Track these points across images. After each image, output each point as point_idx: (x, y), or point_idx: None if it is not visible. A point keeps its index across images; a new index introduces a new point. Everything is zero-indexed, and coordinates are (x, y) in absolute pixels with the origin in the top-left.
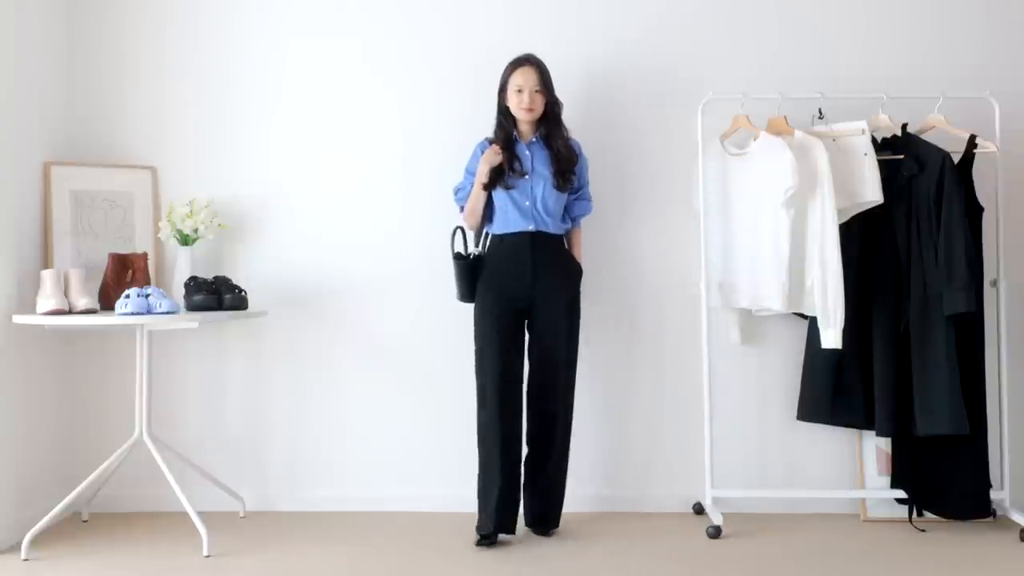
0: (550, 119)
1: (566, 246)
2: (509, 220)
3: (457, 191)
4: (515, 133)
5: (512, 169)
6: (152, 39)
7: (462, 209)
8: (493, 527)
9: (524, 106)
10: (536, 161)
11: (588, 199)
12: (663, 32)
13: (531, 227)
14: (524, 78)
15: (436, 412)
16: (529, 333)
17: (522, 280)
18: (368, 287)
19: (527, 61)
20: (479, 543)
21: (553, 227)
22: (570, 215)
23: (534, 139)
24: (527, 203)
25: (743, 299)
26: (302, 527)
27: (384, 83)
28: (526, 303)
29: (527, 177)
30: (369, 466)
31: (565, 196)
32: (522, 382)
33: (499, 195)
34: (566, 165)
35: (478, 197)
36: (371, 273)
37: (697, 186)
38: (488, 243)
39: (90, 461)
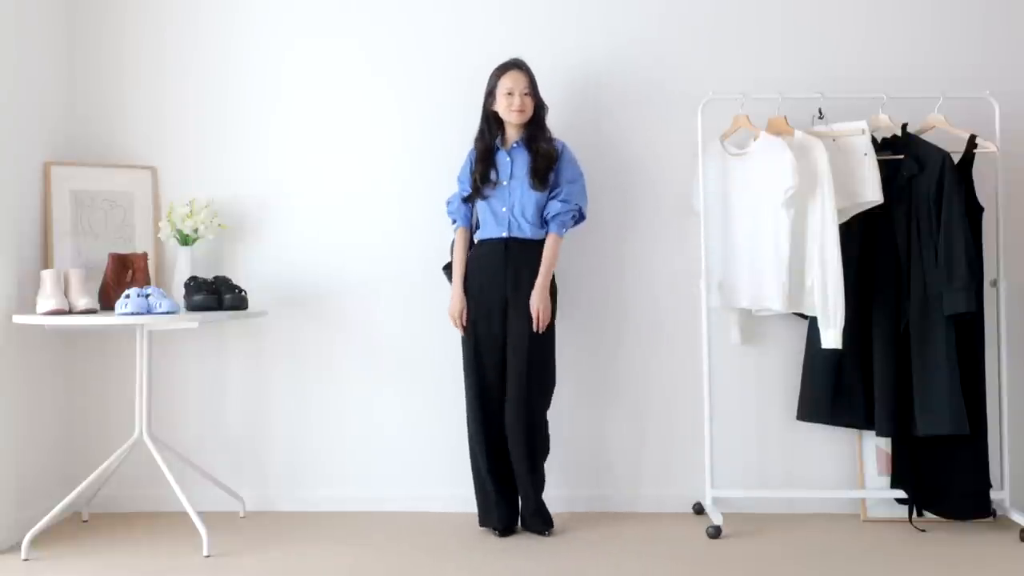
0: (534, 122)
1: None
2: (487, 227)
3: (448, 203)
4: (498, 140)
5: (488, 180)
6: (152, 39)
7: (454, 221)
8: (494, 523)
9: (515, 108)
10: (515, 166)
11: (566, 201)
12: (663, 32)
13: (504, 233)
14: (514, 81)
15: (436, 412)
16: (501, 340)
17: (496, 284)
18: (368, 287)
19: (515, 65)
20: (500, 534)
21: (530, 232)
22: (546, 215)
23: (515, 144)
24: (503, 209)
25: (743, 299)
26: (302, 527)
27: (384, 83)
28: (501, 306)
29: (505, 183)
30: (369, 466)
31: (542, 198)
32: (503, 385)
33: (479, 203)
34: (542, 163)
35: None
36: (371, 273)
37: (697, 186)
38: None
39: (90, 461)
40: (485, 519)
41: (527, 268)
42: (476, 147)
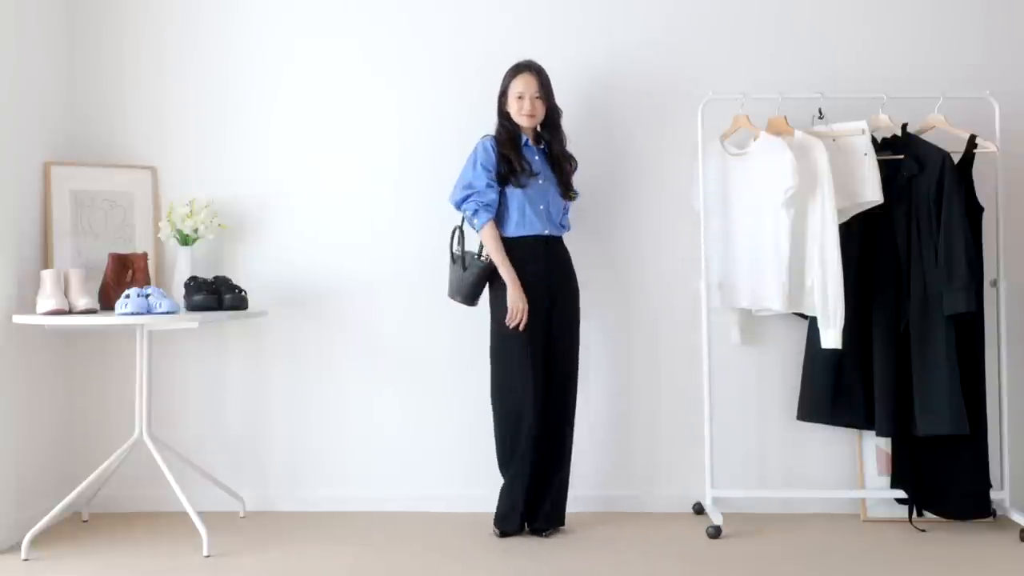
0: (551, 126)
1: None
2: (527, 223)
3: (468, 196)
4: (524, 136)
5: (522, 169)
6: (152, 39)
7: (476, 211)
8: (514, 527)
9: (525, 112)
10: (543, 166)
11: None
12: (664, 33)
13: (547, 231)
14: (525, 84)
15: (436, 412)
16: (545, 337)
17: (543, 283)
18: (368, 287)
19: (527, 68)
20: (503, 535)
21: (561, 231)
22: (564, 223)
23: (542, 146)
24: (542, 207)
25: (743, 299)
26: (302, 527)
27: (384, 84)
28: (546, 306)
29: (541, 181)
30: (369, 466)
31: (566, 203)
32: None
33: (515, 196)
34: (567, 177)
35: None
36: (371, 273)
37: (697, 186)
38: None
39: (90, 461)
40: (506, 520)
41: (562, 265)
42: (499, 136)
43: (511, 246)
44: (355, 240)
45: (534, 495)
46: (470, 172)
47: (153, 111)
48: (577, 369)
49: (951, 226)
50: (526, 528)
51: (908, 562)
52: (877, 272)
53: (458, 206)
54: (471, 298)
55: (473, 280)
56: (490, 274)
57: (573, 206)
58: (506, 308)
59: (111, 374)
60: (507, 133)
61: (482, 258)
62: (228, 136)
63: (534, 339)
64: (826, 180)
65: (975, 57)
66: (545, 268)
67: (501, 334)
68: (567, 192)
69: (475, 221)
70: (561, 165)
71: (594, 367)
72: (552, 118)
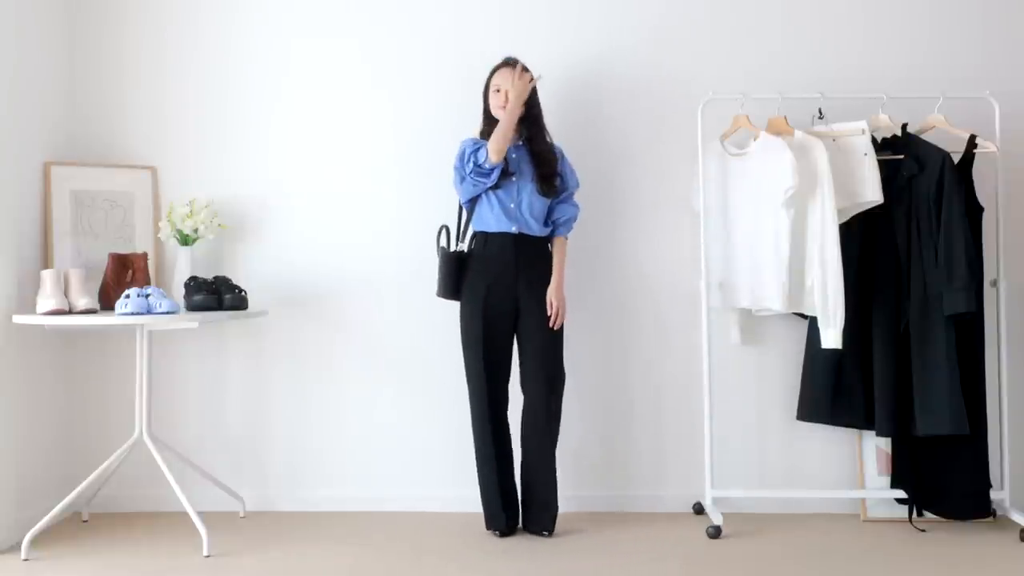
0: (529, 121)
1: (549, 249)
2: (493, 220)
3: (471, 154)
4: None
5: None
6: (152, 39)
7: (476, 150)
8: (502, 525)
9: (500, 104)
10: (523, 164)
11: (573, 204)
12: (663, 33)
13: (514, 228)
14: (503, 78)
15: (436, 412)
16: (516, 334)
17: (507, 280)
18: (368, 287)
19: (506, 63)
20: (502, 535)
21: (537, 230)
22: (552, 218)
23: (520, 143)
24: (512, 205)
25: (743, 299)
26: (302, 527)
27: (384, 83)
28: (511, 304)
29: (514, 179)
30: (369, 466)
31: (548, 201)
32: (508, 383)
33: (488, 195)
34: (547, 169)
35: (508, 131)
36: (371, 273)
37: (697, 186)
38: (472, 242)
39: (90, 461)
40: (493, 521)
41: (536, 265)
42: (483, 133)
43: (481, 242)
44: (355, 240)
45: (524, 495)
46: (462, 153)
47: (153, 111)
48: (559, 371)
49: (951, 226)
50: (522, 526)
51: (908, 562)
52: (877, 272)
53: (462, 170)
54: (441, 289)
55: (442, 270)
56: (458, 264)
57: None
58: (469, 304)
59: (111, 374)
60: (489, 130)
61: (445, 247)
62: (228, 136)
63: (492, 339)
64: (826, 180)
65: (975, 57)
66: (513, 267)
67: (462, 334)
68: (549, 189)
69: (481, 155)
70: (541, 160)
71: (594, 367)
72: (532, 113)
